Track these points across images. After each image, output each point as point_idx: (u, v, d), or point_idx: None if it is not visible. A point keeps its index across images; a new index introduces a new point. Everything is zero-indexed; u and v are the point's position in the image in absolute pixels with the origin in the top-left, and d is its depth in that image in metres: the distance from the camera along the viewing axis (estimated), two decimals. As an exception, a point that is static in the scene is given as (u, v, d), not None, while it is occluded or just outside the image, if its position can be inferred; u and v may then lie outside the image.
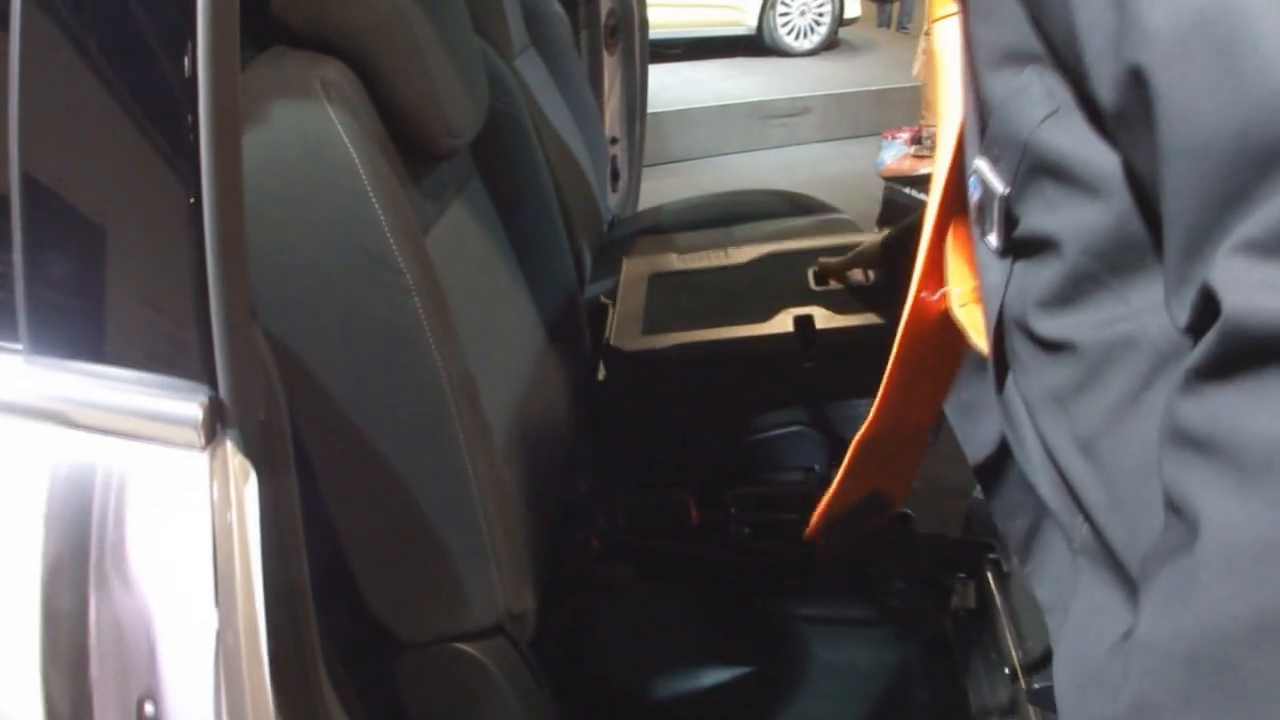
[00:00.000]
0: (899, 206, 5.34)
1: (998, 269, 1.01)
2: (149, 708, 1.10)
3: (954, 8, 1.12)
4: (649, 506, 2.51)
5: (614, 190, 4.30)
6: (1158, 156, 0.70)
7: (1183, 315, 0.71)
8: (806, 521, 1.68)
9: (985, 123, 0.98)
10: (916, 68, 5.61)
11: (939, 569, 2.26)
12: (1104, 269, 0.86)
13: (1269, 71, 0.62)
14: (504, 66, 2.42)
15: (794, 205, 3.98)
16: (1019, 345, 1.01)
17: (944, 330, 1.23)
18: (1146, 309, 0.83)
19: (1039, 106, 0.89)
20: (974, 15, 0.98)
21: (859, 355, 1.76)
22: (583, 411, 2.55)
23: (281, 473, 1.18)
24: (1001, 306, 1.02)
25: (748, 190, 4.42)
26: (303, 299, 1.49)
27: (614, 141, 4.34)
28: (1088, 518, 0.93)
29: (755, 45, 12.00)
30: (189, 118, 1.02)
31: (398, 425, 1.60)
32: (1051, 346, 0.94)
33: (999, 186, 0.96)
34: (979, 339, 1.15)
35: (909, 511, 2.46)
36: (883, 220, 5.43)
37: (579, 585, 2.29)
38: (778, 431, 2.56)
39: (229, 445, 1.07)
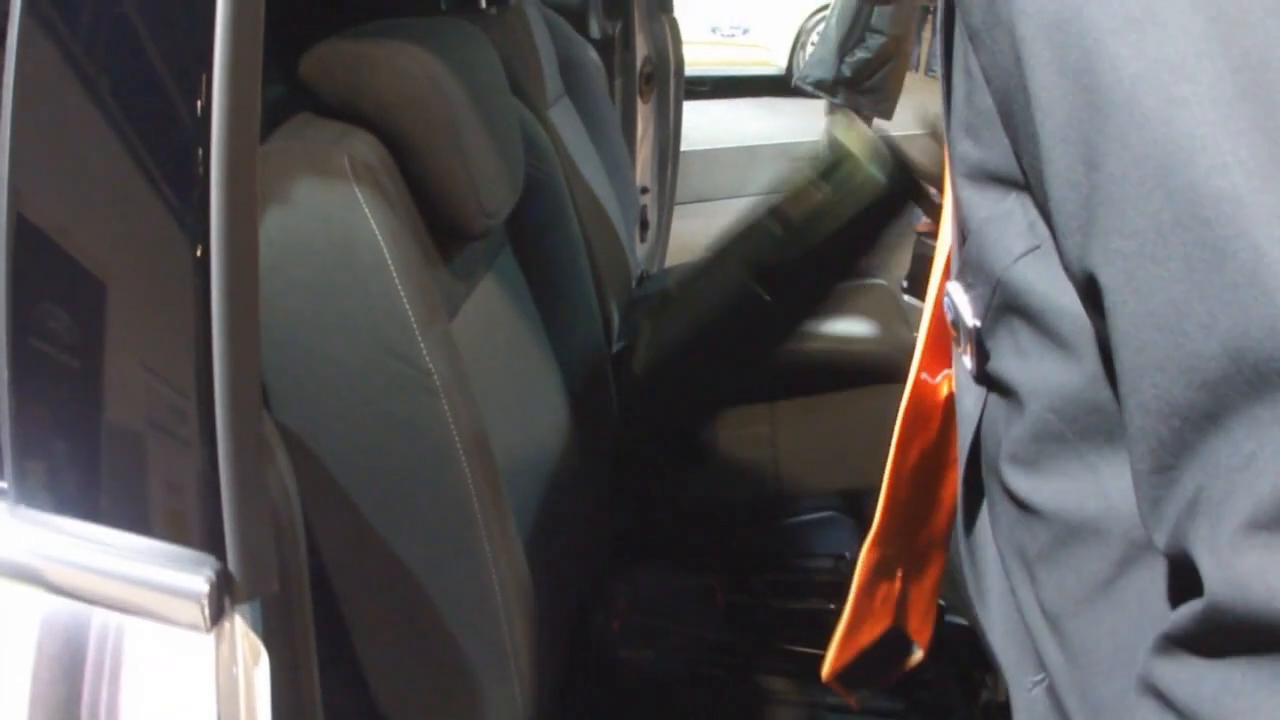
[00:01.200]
0: (929, 261, 5.27)
1: (973, 394, 0.93)
2: None
3: None
4: (673, 588, 2.42)
5: (642, 240, 4.21)
6: (1123, 362, 0.63)
7: (1159, 538, 0.64)
8: (835, 610, 1.60)
9: (963, 238, 0.90)
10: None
11: (969, 661, 2.17)
12: (1071, 432, 0.80)
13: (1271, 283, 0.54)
14: (539, 127, 2.32)
15: (828, 267, 3.87)
16: (993, 486, 0.93)
17: (949, 418, 1.16)
18: (1117, 490, 0.76)
19: (1018, 240, 0.81)
20: (957, 125, 0.89)
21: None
22: (607, 485, 2.46)
23: (298, 635, 1.07)
24: (976, 436, 0.94)
25: (780, 249, 4.35)
26: (323, 393, 1.40)
27: (644, 191, 4.26)
28: (1047, 673, 0.87)
29: (784, 86, 11.94)
30: (199, 250, 0.92)
31: (420, 529, 1.50)
32: (1020, 504, 0.86)
33: (969, 318, 0.89)
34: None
35: (941, 602, 2.38)
36: (912, 276, 5.34)
37: (598, 668, 2.19)
38: (808, 517, 2.48)
39: (238, 623, 0.96)
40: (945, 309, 0.95)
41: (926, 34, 13.58)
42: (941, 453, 1.21)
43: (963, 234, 0.90)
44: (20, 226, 0.98)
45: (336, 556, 1.47)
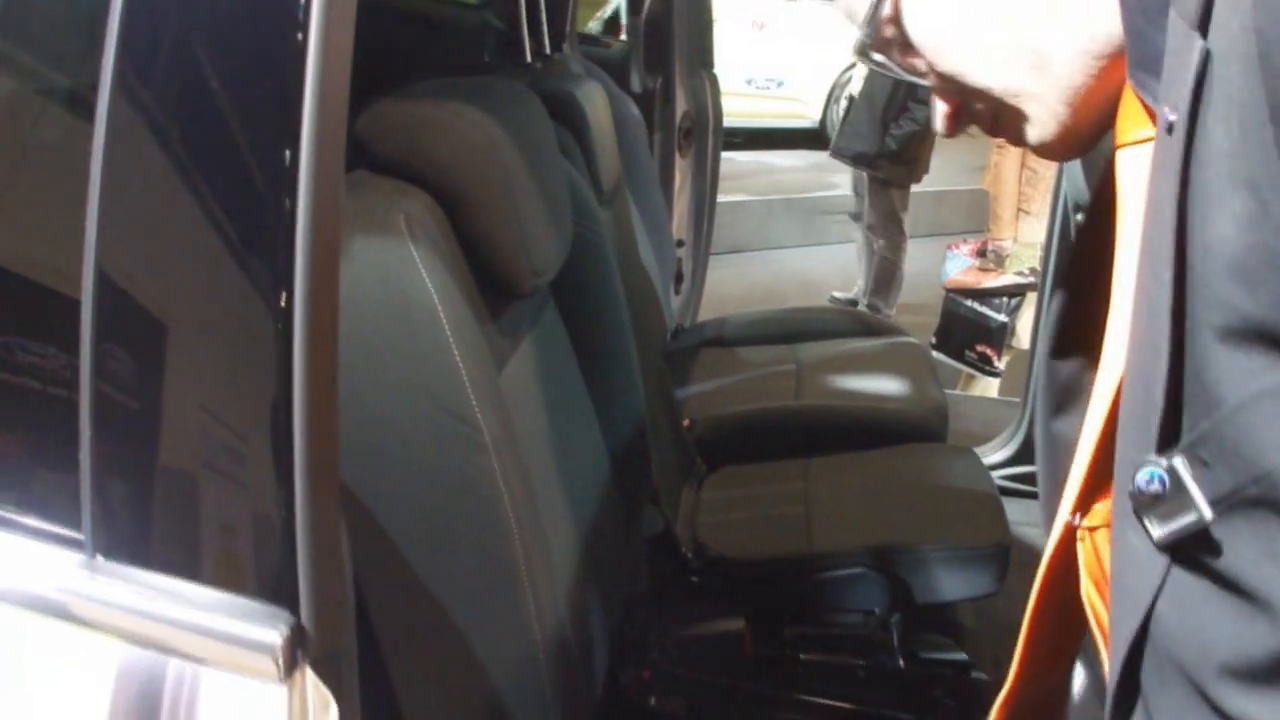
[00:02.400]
0: (959, 319, 5.29)
1: (1148, 568, 0.76)
2: None
3: (1148, 131, 0.84)
4: (703, 639, 2.43)
5: (677, 294, 4.24)
6: None
7: None
8: (864, 666, 1.60)
9: (1196, 398, 0.72)
10: (987, 179, 5.57)
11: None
12: None
13: None
14: (585, 187, 2.36)
15: (860, 324, 3.95)
16: (1175, 690, 0.77)
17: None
18: None
19: None
20: (1215, 263, 0.68)
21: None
22: (642, 539, 2.49)
23: (350, 684, 1.10)
24: (1146, 622, 0.77)
25: (813, 308, 4.40)
26: (375, 447, 1.43)
27: (680, 244, 4.29)
28: None
29: (818, 139, 11.98)
30: (283, 267, 0.95)
31: (467, 585, 1.53)
32: None
33: (1203, 508, 0.70)
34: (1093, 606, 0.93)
35: (966, 656, 2.39)
36: (941, 333, 5.37)
37: (631, 718, 2.21)
38: (840, 572, 2.50)
39: (309, 674, 0.99)
40: (1140, 479, 0.75)
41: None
42: (1074, 608, 1.02)
43: (1185, 390, 0.72)
44: (102, 284, 1.01)
45: (383, 610, 1.49)
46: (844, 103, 7.36)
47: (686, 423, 3.17)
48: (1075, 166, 3.30)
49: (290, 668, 0.97)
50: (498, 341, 1.77)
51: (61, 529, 1.07)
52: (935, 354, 5.12)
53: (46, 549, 1.07)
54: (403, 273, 1.44)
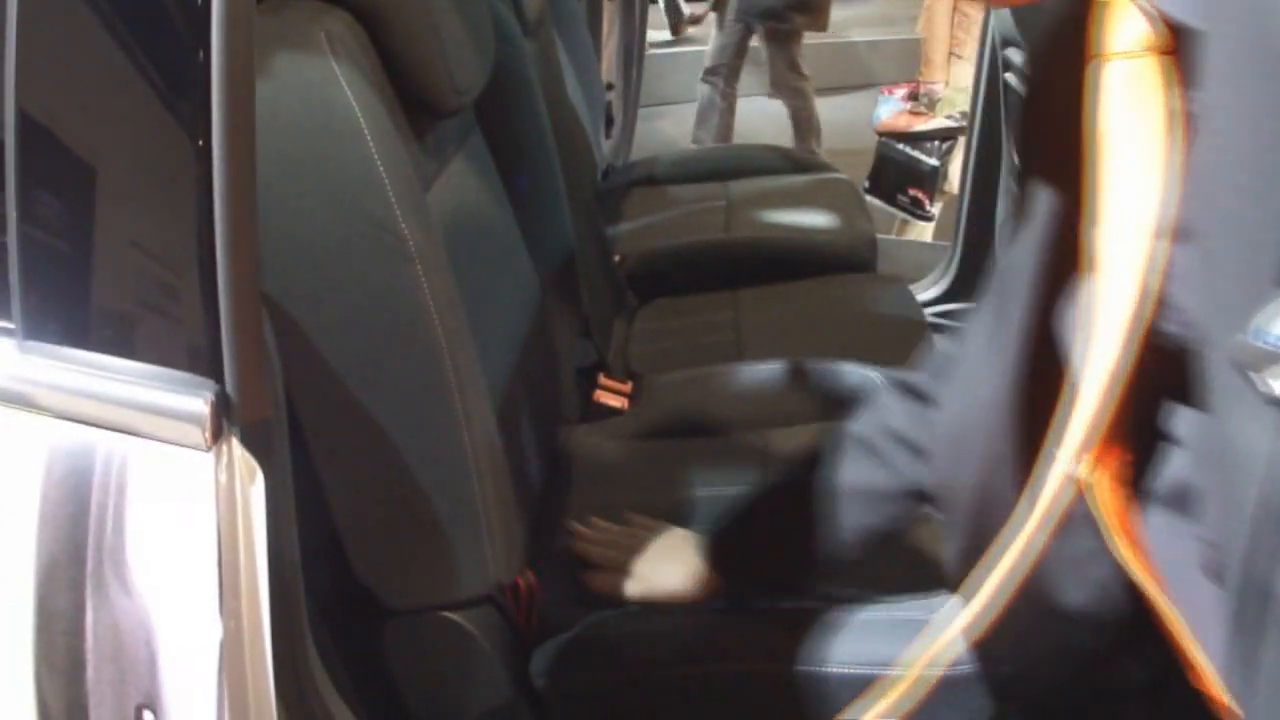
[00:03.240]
0: (891, 163, 5.32)
1: (1262, 432, 0.74)
2: (148, 716, 1.06)
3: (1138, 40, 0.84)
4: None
5: (608, 137, 4.26)
6: None
7: None
8: None
9: None
10: (920, 24, 5.58)
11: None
12: None
13: None
14: (509, 15, 2.36)
15: (791, 162, 3.98)
16: None
17: None
18: None
19: None
20: None
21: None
22: (573, 365, 2.54)
23: (279, 460, 1.14)
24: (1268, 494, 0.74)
25: (743, 145, 4.42)
26: (300, 261, 1.45)
27: (610, 87, 4.30)
28: None
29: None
30: (200, 69, 0.97)
31: (396, 394, 1.56)
32: None
33: None
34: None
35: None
36: (874, 176, 5.41)
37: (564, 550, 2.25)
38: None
39: (235, 443, 1.03)
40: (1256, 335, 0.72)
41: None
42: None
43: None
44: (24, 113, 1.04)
45: (313, 418, 1.52)
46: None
47: (618, 258, 3.21)
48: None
49: (216, 435, 1.01)
50: (423, 161, 1.79)
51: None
52: (868, 198, 5.17)
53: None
54: (324, 88, 1.46)
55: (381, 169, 1.47)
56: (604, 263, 3.01)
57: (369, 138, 1.46)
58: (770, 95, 7.18)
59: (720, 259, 3.30)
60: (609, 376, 2.64)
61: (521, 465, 1.92)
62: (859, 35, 10.31)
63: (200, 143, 0.98)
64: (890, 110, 5.49)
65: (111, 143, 1.06)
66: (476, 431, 1.61)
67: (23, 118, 1.03)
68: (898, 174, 5.34)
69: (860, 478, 1.58)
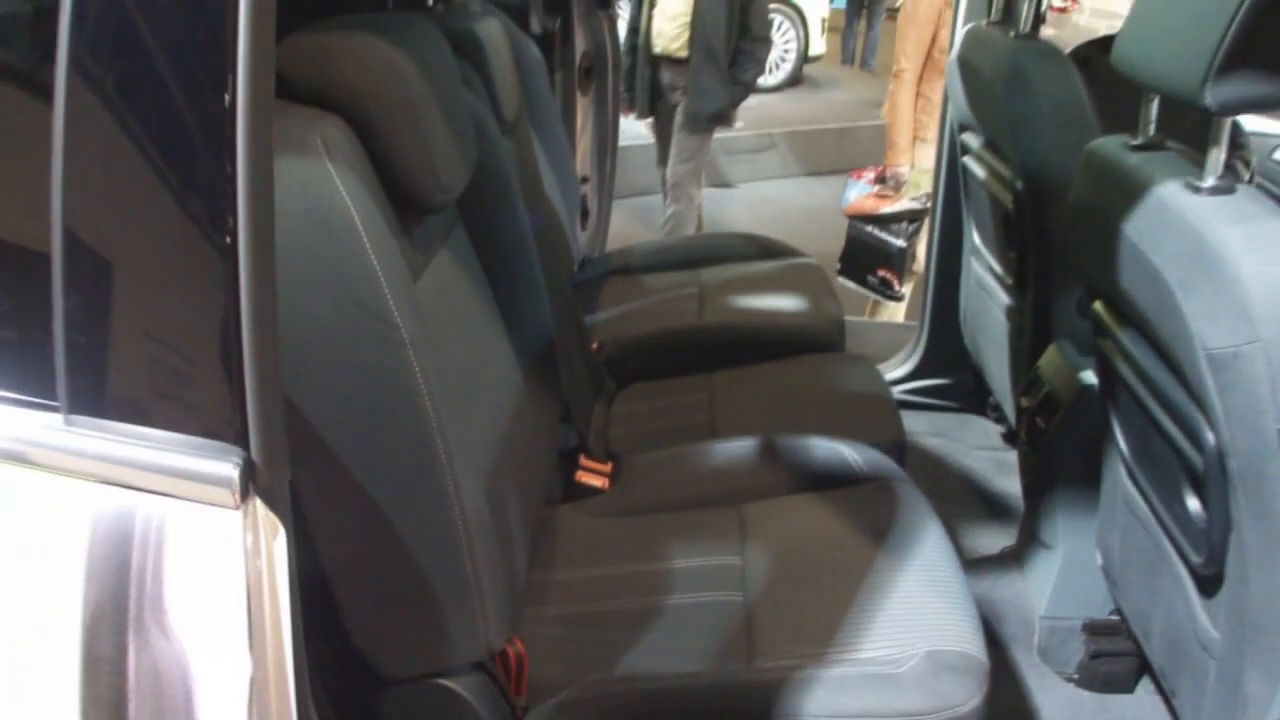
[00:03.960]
0: (861, 244, 5.45)
1: None
2: (184, 749, 1.18)
3: None
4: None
5: (584, 229, 4.38)
6: None
7: None
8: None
9: None
10: (885, 109, 5.73)
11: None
12: None
13: None
14: (488, 117, 2.49)
15: (760, 249, 4.10)
16: None
17: None
18: None
19: None
20: None
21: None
22: (554, 448, 2.65)
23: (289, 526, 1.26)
24: None
25: (715, 233, 4.55)
26: (303, 346, 1.56)
27: (584, 180, 4.43)
28: None
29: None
30: (227, 169, 1.11)
31: (391, 471, 1.67)
32: None
33: None
34: None
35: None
36: (845, 258, 5.54)
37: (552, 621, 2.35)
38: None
39: (259, 503, 1.15)
40: None
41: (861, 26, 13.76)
42: None
43: None
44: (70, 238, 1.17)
45: (313, 494, 1.63)
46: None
47: (596, 345, 3.32)
48: (959, 91, 3.46)
49: (243, 496, 1.14)
50: (411, 254, 1.91)
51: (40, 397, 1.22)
52: (841, 279, 5.30)
53: (28, 413, 1.22)
54: (322, 188, 1.58)
55: (375, 261, 1.59)
56: (582, 350, 3.12)
57: (363, 233, 1.58)
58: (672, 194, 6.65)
59: (694, 344, 3.42)
60: (590, 458, 2.74)
61: (509, 541, 2.02)
62: (828, 122, 10.51)
63: (227, 240, 1.11)
64: (858, 193, 5.62)
65: (146, 242, 1.18)
66: (467, 506, 1.73)
67: (68, 233, 1.15)
68: (867, 255, 5.46)
69: None
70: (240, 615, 1.15)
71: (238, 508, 1.14)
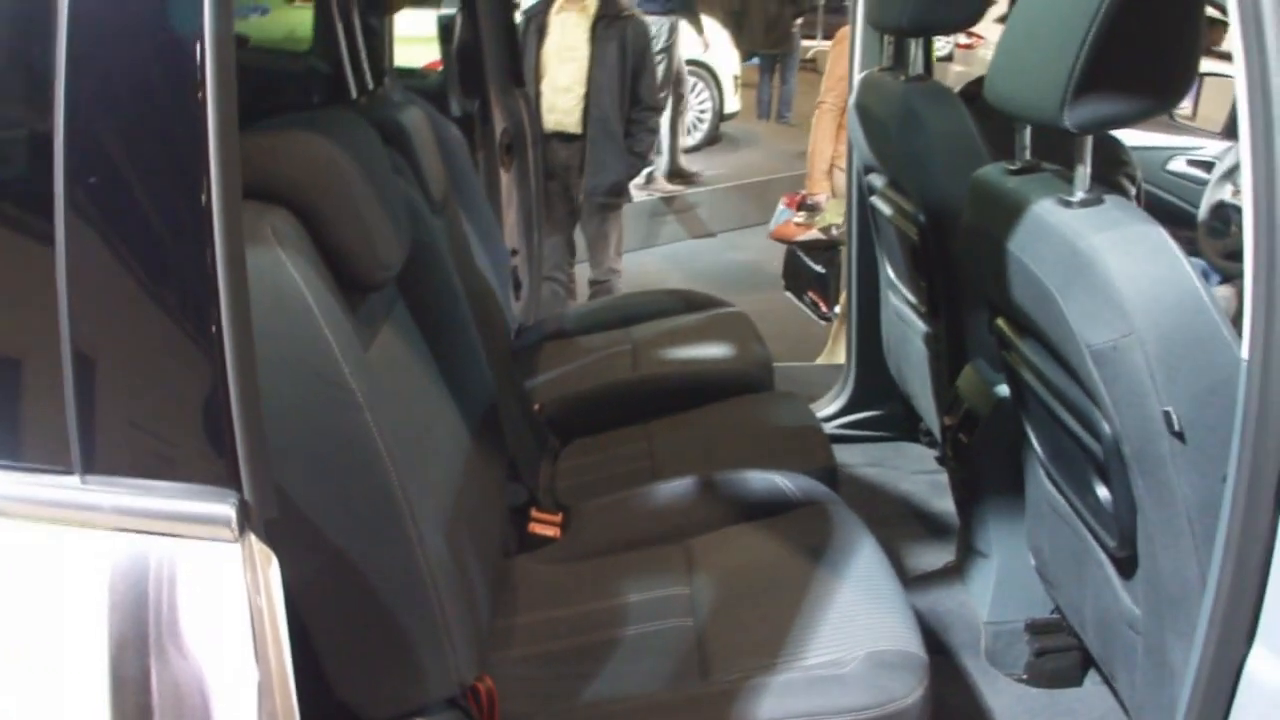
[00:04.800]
0: (796, 264, 5.63)
1: None
2: (205, 753, 1.34)
3: None
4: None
5: (517, 299, 4.50)
6: None
7: None
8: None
9: None
10: (810, 143, 5.88)
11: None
12: None
13: None
14: (419, 199, 2.65)
15: (687, 303, 4.25)
16: None
17: None
18: None
19: None
20: None
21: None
22: (505, 504, 2.80)
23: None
24: None
25: (643, 292, 4.68)
26: (270, 417, 1.70)
27: (514, 253, 4.56)
28: None
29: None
30: (207, 262, 1.28)
31: (358, 525, 1.81)
32: None
33: None
34: None
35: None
36: (786, 275, 5.70)
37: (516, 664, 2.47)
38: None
39: (253, 537, 1.32)
40: None
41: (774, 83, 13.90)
42: None
43: None
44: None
45: (287, 552, 1.76)
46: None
47: (537, 406, 3.46)
48: (859, 135, 3.63)
49: (240, 531, 1.30)
50: (359, 329, 2.05)
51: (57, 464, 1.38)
52: (787, 292, 5.47)
53: (48, 478, 1.38)
54: (275, 274, 1.73)
55: (329, 335, 1.75)
56: (525, 410, 3.27)
57: (316, 311, 1.74)
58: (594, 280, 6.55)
59: (631, 396, 3.56)
60: (540, 510, 2.88)
61: (470, 585, 2.15)
62: (751, 175, 10.70)
63: (213, 327, 1.28)
64: (781, 219, 5.78)
65: (144, 326, 1.35)
66: (430, 552, 1.87)
67: (74, 320, 1.32)
68: (801, 275, 5.64)
69: None
70: (245, 632, 1.31)
71: (236, 541, 1.31)
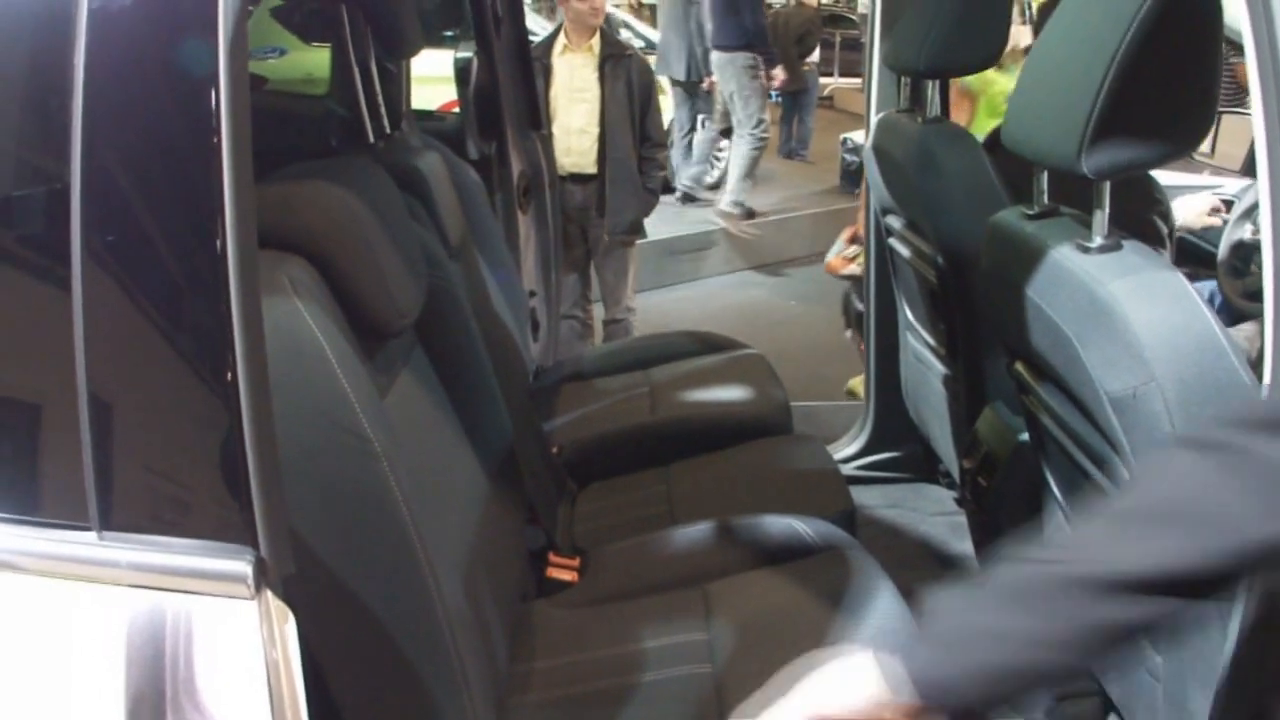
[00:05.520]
0: (848, 303, 5.57)
1: None
2: (221, 813, 1.34)
3: None
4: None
5: (535, 340, 4.51)
6: None
7: None
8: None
9: None
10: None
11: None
12: None
13: None
14: (436, 244, 2.66)
15: (704, 344, 4.26)
16: None
17: None
18: None
19: None
20: None
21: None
22: (524, 548, 2.79)
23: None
24: None
25: (660, 334, 4.68)
26: (287, 467, 1.69)
27: (532, 295, 4.58)
28: None
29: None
30: (222, 312, 1.28)
31: (375, 572, 1.81)
32: None
33: None
34: None
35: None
36: (845, 311, 5.67)
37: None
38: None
39: (270, 594, 1.31)
40: None
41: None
42: None
43: None
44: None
45: (305, 602, 1.75)
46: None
47: (555, 449, 3.46)
48: (877, 177, 3.63)
49: (257, 588, 1.30)
50: (377, 376, 2.06)
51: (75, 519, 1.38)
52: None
53: (66, 533, 1.38)
54: (292, 323, 1.73)
55: (346, 384, 1.74)
56: (543, 454, 3.26)
57: (333, 360, 1.74)
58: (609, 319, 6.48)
59: (649, 439, 3.57)
60: (558, 555, 2.87)
61: (488, 632, 2.15)
62: (767, 216, 10.70)
63: (229, 374, 1.28)
64: (834, 252, 5.76)
65: (159, 379, 1.36)
66: (448, 600, 1.86)
67: (91, 372, 1.32)
68: (849, 313, 5.59)
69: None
70: (262, 690, 1.30)
71: (253, 599, 1.30)
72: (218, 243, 1.26)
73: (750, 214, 10.47)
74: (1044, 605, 1.23)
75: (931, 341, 3.49)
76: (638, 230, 6.20)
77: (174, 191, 1.33)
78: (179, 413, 1.35)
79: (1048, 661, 1.26)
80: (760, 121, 10.07)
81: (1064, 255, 2.11)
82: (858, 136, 9.47)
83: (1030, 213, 2.36)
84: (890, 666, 1.30)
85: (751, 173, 10.38)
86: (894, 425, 4.19)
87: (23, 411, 1.46)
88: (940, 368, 3.43)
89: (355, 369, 1.79)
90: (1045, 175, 2.33)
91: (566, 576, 2.80)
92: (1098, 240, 2.06)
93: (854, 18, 18.47)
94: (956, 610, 1.33)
